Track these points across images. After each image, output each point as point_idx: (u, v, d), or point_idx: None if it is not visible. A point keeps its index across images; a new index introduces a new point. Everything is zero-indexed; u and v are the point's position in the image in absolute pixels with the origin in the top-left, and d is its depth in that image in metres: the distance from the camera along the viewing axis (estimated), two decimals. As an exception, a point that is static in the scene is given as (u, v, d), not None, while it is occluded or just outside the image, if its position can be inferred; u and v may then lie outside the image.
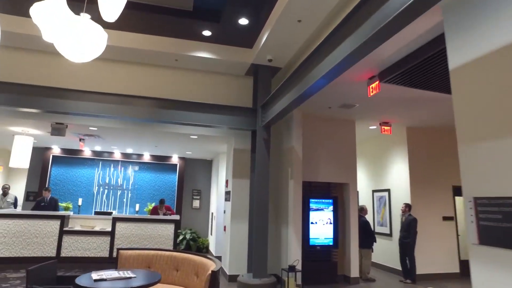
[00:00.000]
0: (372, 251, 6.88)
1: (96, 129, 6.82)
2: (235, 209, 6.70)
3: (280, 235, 6.58)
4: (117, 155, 10.25)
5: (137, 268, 4.36)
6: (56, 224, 7.17)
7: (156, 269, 4.40)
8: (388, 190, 7.88)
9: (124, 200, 10.16)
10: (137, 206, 10.05)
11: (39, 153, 9.99)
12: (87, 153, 10.12)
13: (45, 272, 3.85)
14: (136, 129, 6.83)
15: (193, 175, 10.77)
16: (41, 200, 8.29)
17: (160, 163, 10.55)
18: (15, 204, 8.66)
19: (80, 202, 9.77)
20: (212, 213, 9.94)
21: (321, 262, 6.49)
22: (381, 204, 8.15)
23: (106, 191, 10.12)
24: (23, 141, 7.26)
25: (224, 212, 7.53)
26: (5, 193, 8.55)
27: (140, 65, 6.57)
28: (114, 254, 7.18)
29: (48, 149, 9.94)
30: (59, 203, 9.14)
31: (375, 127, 7.47)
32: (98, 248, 7.23)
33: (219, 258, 8.32)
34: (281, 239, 6.52)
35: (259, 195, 5.88)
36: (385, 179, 8.09)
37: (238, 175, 6.85)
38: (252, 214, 6.12)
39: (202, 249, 9.90)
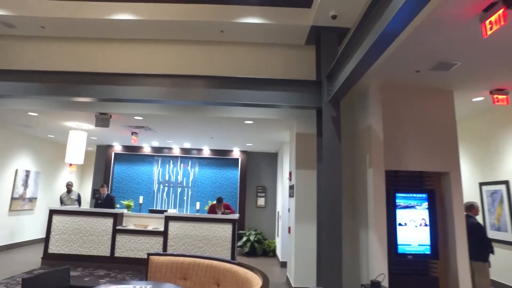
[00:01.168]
0: (489, 266, 5.04)
1: (141, 118, 6.21)
2: (300, 207, 5.48)
3: (358, 239, 5.17)
4: (176, 151, 9.76)
5: (169, 280, 3.43)
6: (109, 222, 6.74)
7: (193, 282, 3.42)
8: (506, 183, 5.89)
9: (185, 198, 9.62)
10: (198, 205, 9.40)
11: (102, 151, 9.98)
12: (146, 149, 9.82)
13: (58, 280, 3.12)
14: (184, 116, 6.05)
15: (257, 170, 9.80)
16: (98, 197, 8.08)
17: (221, 157, 9.79)
18: (78, 201, 8.62)
19: (141, 200, 9.47)
20: (278, 212, 8.84)
21: (415, 276, 4.92)
22: (494, 201, 6.17)
23: (166, 188, 9.70)
24: (78, 136, 7.02)
25: (289, 210, 6.37)
26: (69, 190, 8.54)
27: (184, 43, 5.76)
28: (168, 257, 6.48)
29: (110, 146, 9.87)
30: (121, 201, 8.92)
31: (481, 98, 5.59)
32: (151, 249, 6.63)
33: (285, 264, 7.16)
34: (359, 245, 5.11)
35: (328, 188, 4.58)
36: (499, 168, 6.09)
37: (302, 165, 5.63)
38: (321, 212, 4.86)
39: (268, 253, 8.85)
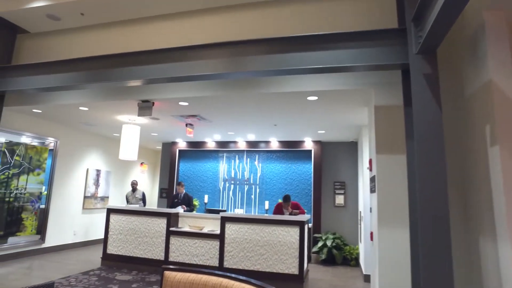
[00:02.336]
0: None
1: (187, 104, 5.38)
2: (384, 205, 3.97)
3: (476, 255, 3.43)
4: (241, 145, 8.86)
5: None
6: (163, 223, 6.09)
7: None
8: None
9: (252, 196, 8.65)
10: (267, 204, 8.36)
11: (167, 148, 9.63)
12: (210, 144, 9.13)
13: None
14: (235, 97, 5.04)
15: (334, 163, 8.32)
16: (175, 196, 7.61)
17: (291, 150, 8.58)
18: (143, 200, 8.31)
19: (206, 199, 8.82)
20: (360, 212, 7.26)
21: None
22: None
23: (232, 186, 8.86)
24: (130, 130, 6.57)
25: (370, 210, 4.86)
26: (134, 189, 8.28)
27: (236, 8, 4.73)
28: (226, 264, 5.55)
29: (174, 143, 9.45)
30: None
31: None
32: (206, 254, 5.76)
33: (369, 278, 5.60)
34: (480, 263, 3.37)
35: (426, 178, 3.02)
36: None
37: (385, 149, 4.11)
38: (416, 213, 3.30)
39: (349, 261, 7.33)
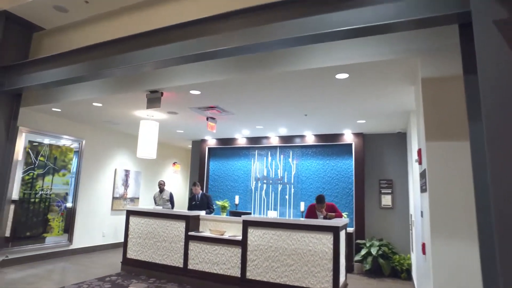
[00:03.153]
0: None
1: (199, 92, 4.76)
2: (438, 207, 3.01)
3: None
4: (274, 140, 8.10)
5: None
6: (181, 226, 5.54)
7: None
8: None
9: (286, 197, 7.85)
10: (302, 205, 7.52)
11: (197, 147, 9.16)
12: (241, 141, 8.49)
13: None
14: (252, 83, 4.33)
15: (379, 158, 7.25)
16: (192, 197, 7.10)
17: (329, 144, 7.64)
18: (171, 201, 7.89)
19: (237, 200, 8.18)
20: (410, 215, 6.15)
21: None
22: None
23: (264, 186, 8.13)
24: (148, 126, 6.13)
25: (422, 214, 3.86)
26: (161, 190, 7.90)
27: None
28: (248, 275, 4.85)
29: (204, 141, 8.95)
30: (217, 201, 7.82)
31: None
32: (227, 263, 5.09)
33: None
34: None
35: (502, 170, 2.06)
36: None
37: (438, 135, 3.14)
38: (487, 217, 2.32)
39: (400, 273, 6.23)
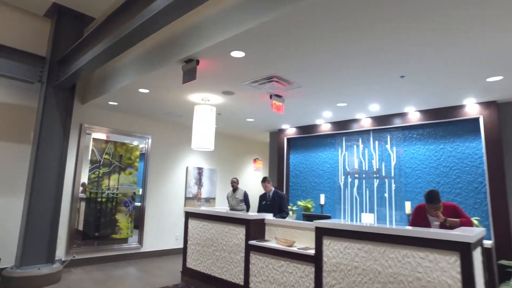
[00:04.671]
0: None
1: (242, 54, 3.51)
2: None
3: None
4: (365, 123, 6.35)
5: None
6: (241, 233, 4.39)
7: None
8: None
9: (386, 195, 6.00)
10: (408, 206, 5.61)
11: (274, 138, 7.94)
12: (324, 127, 6.95)
13: None
14: (314, 32, 2.92)
15: (527, 139, 4.89)
16: (263, 196, 5.95)
17: (442, 122, 5.55)
18: (246, 202, 6.85)
19: (322, 199, 6.67)
20: None
21: None
22: None
23: (356, 181, 6.42)
24: (204, 112, 5.18)
25: None
26: (234, 188, 6.93)
27: None
28: (325, 305, 3.40)
29: (281, 131, 7.68)
30: (298, 202, 6.56)
31: None
32: (296, 285, 3.74)
33: None
34: None
35: None
36: None
37: None
38: None
39: None
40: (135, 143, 6.75)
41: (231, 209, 6.81)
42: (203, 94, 5.11)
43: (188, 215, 5.29)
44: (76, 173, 5.82)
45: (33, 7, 5.30)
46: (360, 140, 6.49)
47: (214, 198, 8.12)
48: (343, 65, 3.81)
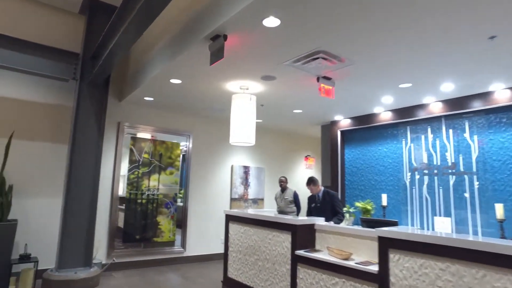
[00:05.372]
0: None
1: (277, 22, 2.83)
2: None
3: None
4: (434, 108, 5.28)
5: None
6: (286, 240, 3.73)
7: None
8: None
9: (466, 195, 4.89)
10: (499, 209, 4.46)
11: (326, 131, 7.10)
12: (384, 116, 5.98)
13: None
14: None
15: None
16: (311, 197, 5.22)
17: (543, 103, 4.34)
18: (296, 203, 6.17)
19: (384, 200, 5.72)
20: None
21: None
22: None
23: (426, 179, 5.37)
24: (242, 102, 4.59)
25: None
26: (283, 188, 6.28)
27: None
28: None
29: (334, 123, 6.83)
30: (356, 203, 5.75)
31: None
32: (354, 311, 2.95)
33: None
34: None
35: None
36: None
37: None
38: None
39: None
40: (176, 141, 6.40)
41: (279, 212, 6.16)
42: (240, 81, 4.52)
43: (229, 219, 4.74)
44: (115, 174, 5.60)
45: (67, 5, 5.18)
46: (429, 129, 5.43)
47: (262, 199, 7.52)
48: (410, 29, 2.95)
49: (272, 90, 4.84)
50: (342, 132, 6.71)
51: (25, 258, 4.47)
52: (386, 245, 2.78)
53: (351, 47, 3.36)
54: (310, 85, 4.48)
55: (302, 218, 3.82)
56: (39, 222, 4.91)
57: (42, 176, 5.01)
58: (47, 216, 4.97)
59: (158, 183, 6.04)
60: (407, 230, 2.84)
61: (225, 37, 3.10)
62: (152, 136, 6.10)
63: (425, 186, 5.32)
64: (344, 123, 6.62)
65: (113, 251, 5.49)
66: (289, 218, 3.83)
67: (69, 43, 5.21)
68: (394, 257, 2.70)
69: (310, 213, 5.00)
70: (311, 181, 5.06)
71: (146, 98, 5.49)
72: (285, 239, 3.73)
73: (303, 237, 3.67)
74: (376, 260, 2.93)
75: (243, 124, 4.53)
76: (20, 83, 4.96)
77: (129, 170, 5.77)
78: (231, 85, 4.69)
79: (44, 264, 4.71)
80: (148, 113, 6.11)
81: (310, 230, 3.74)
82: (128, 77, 5.47)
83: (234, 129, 4.57)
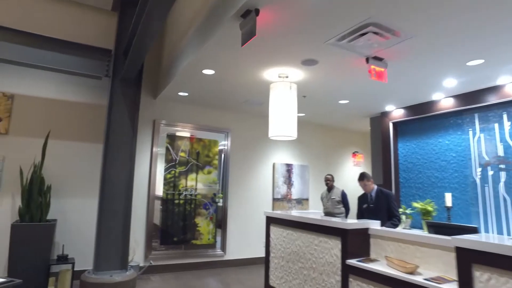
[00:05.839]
0: None
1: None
2: None
3: None
4: (509, 90, 4.44)
5: None
6: (335, 247, 3.22)
7: None
8: None
9: (557, 193, 4.02)
10: None
11: (376, 124, 6.41)
12: (444, 103, 5.19)
13: None
14: None
15: None
16: (363, 197, 4.65)
17: None
18: (344, 203, 5.62)
19: (448, 200, 4.94)
20: None
21: None
22: None
23: (503, 175, 4.53)
24: (282, 91, 4.14)
25: None
26: (329, 187, 5.76)
27: None
28: None
29: (385, 114, 6.12)
30: (413, 203, 5.08)
31: None
32: (424, 338, 2.36)
33: None
34: None
35: None
36: None
37: None
38: None
39: None
40: (214, 138, 6.11)
41: (326, 213, 5.63)
42: (278, 68, 4.08)
43: (269, 221, 4.31)
44: (151, 173, 5.42)
45: (100, 3, 5.10)
46: (504, 116, 4.59)
47: (307, 199, 7.00)
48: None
49: (314, 78, 4.33)
50: (394, 124, 5.99)
51: (63, 259, 4.40)
52: (468, 259, 2.17)
53: (408, 16, 2.77)
54: (358, 69, 3.92)
55: (353, 221, 3.28)
56: (76, 222, 4.85)
57: (78, 176, 4.94)
58: (84, 216, 4.90)
59: (195, 183, 5.78)
60: (495, 241, 2.20)
61: (256, 12, 2.67)
62: (191, 135, 5.86)
63: (501, 184, 4.49)
64: (397, 113, 5.90)
65: (151, 253, 5.31)
66: (338, 221, 3.31)
67: (103, 41, 5.12)
68: (482, 276, 2.09)
69: (361, 215, 4.41)
70: (364, 177, 4.47)
71: (181, 94, 5.24)
72: (334, 245, 3.22)
73: (355, 243, 3.13)
74: (451, 276, 2.33)
75: (283, 116, 4.09)
76: (55, 82, 4.93)
77: (166, 170, 5.56)
78: (269, 74, 4.26)
79: (80, 265, 4.61)
80: (184, 110, 5.87)
81: (363, 235, 3.19)
82: (161, 72, 5.27)
83: (274, 122, 4.13)
